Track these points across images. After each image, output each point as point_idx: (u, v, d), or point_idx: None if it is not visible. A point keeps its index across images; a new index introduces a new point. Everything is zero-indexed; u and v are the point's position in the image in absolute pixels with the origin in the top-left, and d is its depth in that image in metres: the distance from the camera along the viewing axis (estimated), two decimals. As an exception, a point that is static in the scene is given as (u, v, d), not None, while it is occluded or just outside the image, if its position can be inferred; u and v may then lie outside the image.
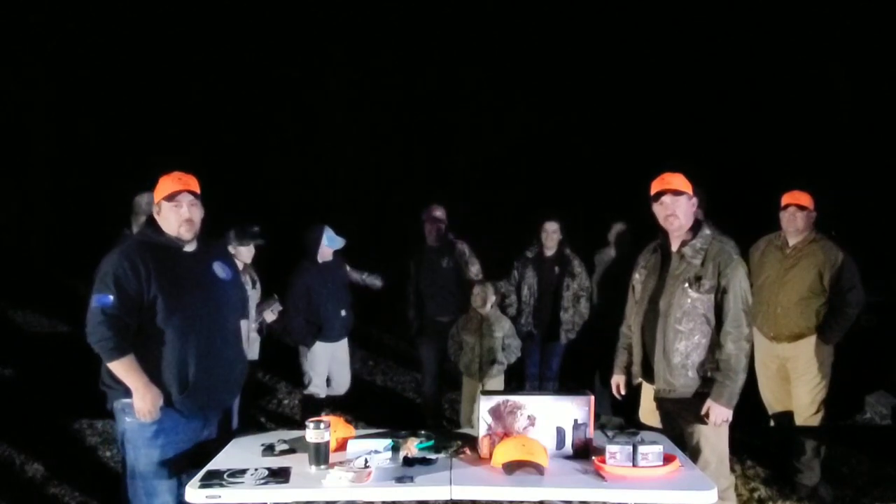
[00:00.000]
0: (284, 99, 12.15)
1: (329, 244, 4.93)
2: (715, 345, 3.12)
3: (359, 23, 11.82)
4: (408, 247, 5.53)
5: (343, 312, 4.98)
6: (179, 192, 2.92)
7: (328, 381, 5.15)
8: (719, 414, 3.07)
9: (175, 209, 2.92)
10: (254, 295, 4.59)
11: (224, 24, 11.67)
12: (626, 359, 3.50)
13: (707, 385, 3.12)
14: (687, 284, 3.13)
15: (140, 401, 2.81)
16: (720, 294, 3.09)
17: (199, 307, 2.95)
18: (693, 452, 3.05)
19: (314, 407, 4.97)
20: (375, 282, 5.25)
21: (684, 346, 3.15)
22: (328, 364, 5.02)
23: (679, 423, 3.26)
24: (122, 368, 2.79)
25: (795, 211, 4.15)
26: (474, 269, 5.23)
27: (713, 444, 3.15)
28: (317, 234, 4.94)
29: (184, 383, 2.90)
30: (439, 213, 5.30)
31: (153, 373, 2.84)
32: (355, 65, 12.12)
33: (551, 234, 5.32)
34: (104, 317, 2.76)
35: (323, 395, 5.05)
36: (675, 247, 3.24)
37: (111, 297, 2.77)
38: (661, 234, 3.30)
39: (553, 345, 5.35)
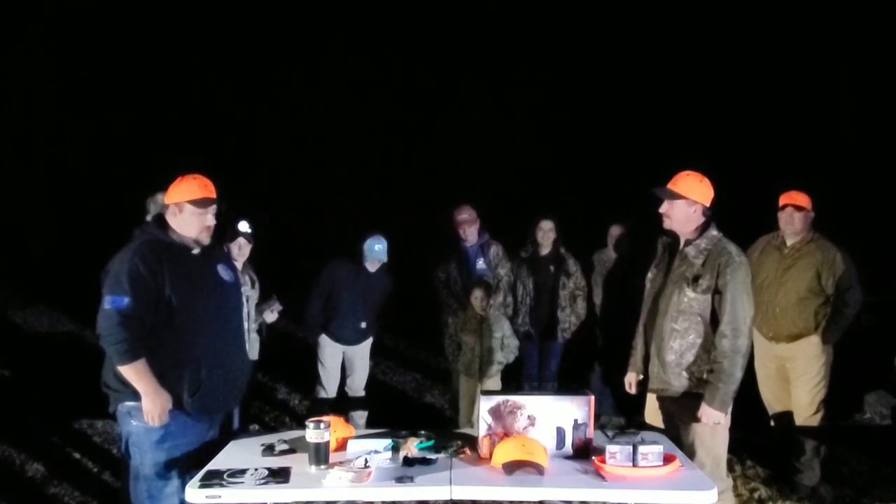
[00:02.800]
0: (285, 98, 12.16)
1: (369, 254, 4.84)
2: (711, 345, 3.10)
3: (359, 22, 11.84)
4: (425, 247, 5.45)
5: (363, 324, 4.95)
6: (211, 201, 2.93)
7: (346, 381, 5.13)
8: (711, 416, 3.06)
9: (201, 216, 2.93)
10: (253, 295, 4.58)
11: (224, 24, 11.68)
12: (638, 356, 3.48)
13: (702, 386, 3.11)
14: (685, 283, 3.13)
15: (151, 405, 2.77)
16: (717, 294, 3.07)
17: (209, 309, 2.94)
18: (688, 453, 3.04)
19: (319, 406, 4.98)
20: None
21: (678, 345, 3.14)
22: (337, 358, 5.02)
23: (675, 422, 3.26)
24: (135, 372, 2.75)
25: (793, 212, 4.15)
26: (503, 272, 5.21)
27: (708, 446, 3.13)
28: (364, 241, 4.86)
29: (195, 385, 2.87)
30: (472, 212, 5.22)
31: (164, 375, 2.80)
32: (355, 64, 12.14)
33: (547, 232, 5.30)
34: (121, 318, 2.71)
35: (328, 395, 5.05)
36: (680, 246, 3.24)
37: (127, 299, 2.71)
38: (670, 233, 3.30)
39: (551, 344, 5.34)
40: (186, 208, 2.91)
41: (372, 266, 4.90)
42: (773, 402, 4.41)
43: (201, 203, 2.91)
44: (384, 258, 4.88)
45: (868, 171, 9.18)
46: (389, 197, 11.54)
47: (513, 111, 11.69)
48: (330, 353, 4.99)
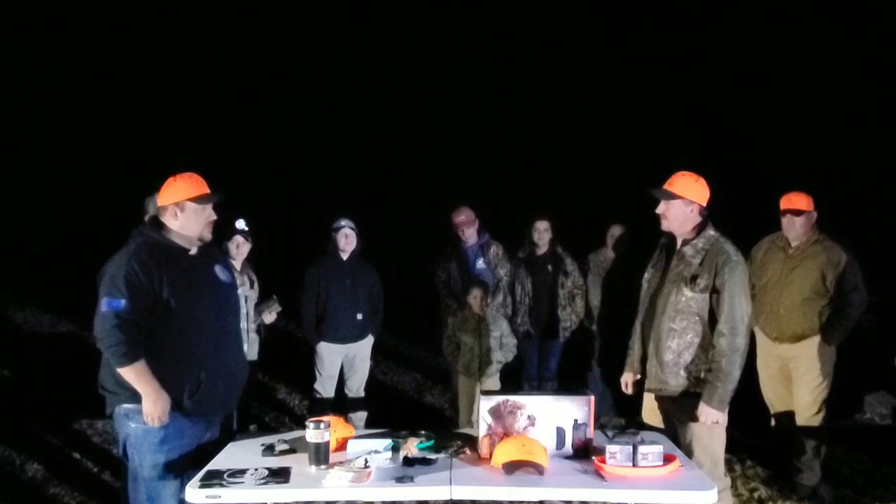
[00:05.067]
0: (284, 97, 12.16)
1: (336, 231, 4.92)
2: (709, 345, 3.11)
3: (358, 21, 11.85)
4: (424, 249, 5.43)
5: (359, 316, 4.91)
6: (211, 195, 2.94)
7: (345, 382, 5.10)
8: (709, 415, 3.07)
9: (203, 212, 2.94)
10: (252, 295, 4.58)
11: (223, 24, 11.68)
12: (635, 356, 3.48)
13: (700, 385, 3.11)
14: (683, 283, 3.13)
15: (151, 406, 2.76)
16: (715, 294, 3.08)
17: (207, 310, 2.94)
18: (686, 452, 3.04)
19: (318, 406, 4.95)
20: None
21: (676, 345, 3.15)
22: (335, 364, 4.98)
23: (673, 422, 3.26)
24: (134, 374, 2.74)
25: (792, 217, 4.14)
26: (502, 272, 5.20)
27: (705, 445, 3.14)
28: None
29: (194, 387, 2.87)
30: (470, 213, 5.24)
31: (162, 377, 2.79)
32: (354, 65, 12.14)
33: (542, 232, 5.30)
34: (118, 321, 2.69)
35: (325, 396, 5.03)
36: (678, 246, 3.24)
37: (124, 301, 2.70)
38: (667, 233, 3.30)
39: (551, 344, 5.34)
40: (188, 206, 2.91)
41: (345, 242, 4.90)
42: (774, 401, 4.41)
43: (203, 199, 2.93)
44: (352, 226, 4.92)
45: (869, 172, 9.18)
46: (390, 197, 11.54)
47: (512, 110, 11.69)
48: (328, 361, 4.95)
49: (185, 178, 2.94)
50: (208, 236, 3.02)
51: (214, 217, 2.99)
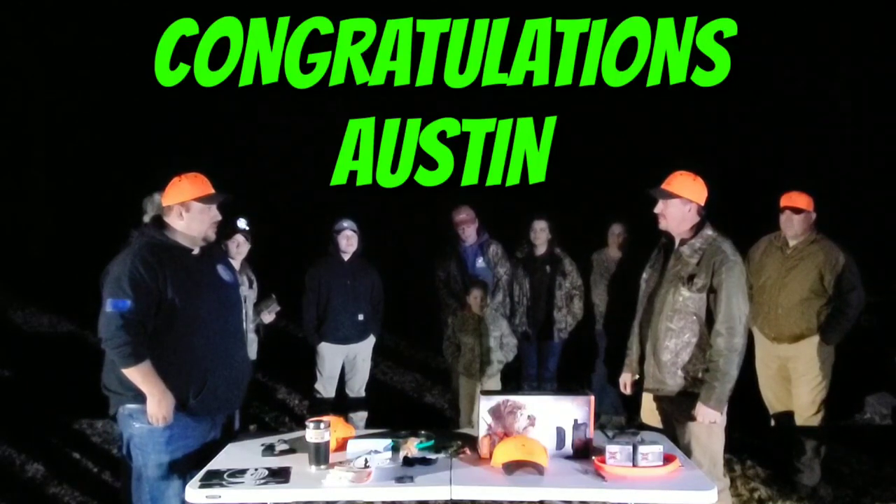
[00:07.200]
0: (282, 96, 12.12)
1: (338, 232, 4.94)
2: (706, 345, 3.11)
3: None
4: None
5: (361, 316, 4.93)
6: (216, 195, 2.95)
7: (346, 383, 5.11)
8: (707, 415, 3.06)
9: (208, 212, 2.95)
10: (251, 295, 4.58)
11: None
12: (633, 356, 3.48)
13: (697, 385, 3.11)
14: (680, 283, 3.13)
15: (156, 406, 2.76)
16: (712, 294, 3.08)
17: (211, 310, 2.94)
18: (685, 453, 3.04)
19: (319, 406, 4.96)
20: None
21: (674, 344, 3.15)
22: (337, 365, 5.00)
23: (672, 422, 3.26)
24: (140, 374, 2.74)
25: (791, 215, 4.14)
26: (502, 271, 5.21)
27: (704, 445, 3.13)
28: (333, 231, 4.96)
29: (199, 386, 2.87)
30: (470, 212, 5.26)
31: (167, 377, 2.79)
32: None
33: (539, 232, 5.30)
34: (122, 321, 2.70)
35: (326, 396, 5.04)
36: (676, 245, 3.24)
37: (129, 302, 2.70)
38: (666, 233, 3.30)
39: (549, 344, 5.34)
40: (194, 206, 2.91)
41: (346, 244, 4.91)
42: (774, 401, 4.41)
43: (208, 199, 2.94)
44: (353, 227, 4.95)
45: (869, 172, 9.17)
46: (390, 196, 11.51)
47: (510, 109, 11.66)
48: (330, 362, 4.96)
49: (190, 178, 2.95)
50: (212, 236, 3.03)
51: (219, 217, 3.00)
